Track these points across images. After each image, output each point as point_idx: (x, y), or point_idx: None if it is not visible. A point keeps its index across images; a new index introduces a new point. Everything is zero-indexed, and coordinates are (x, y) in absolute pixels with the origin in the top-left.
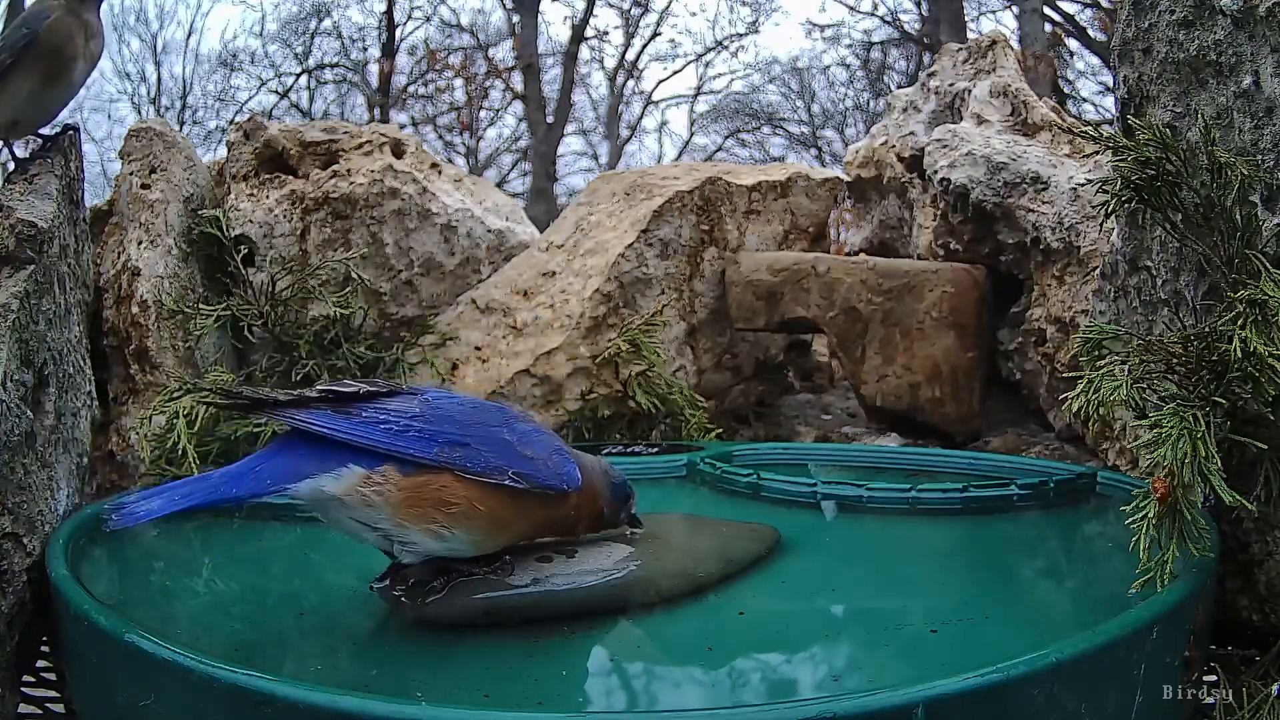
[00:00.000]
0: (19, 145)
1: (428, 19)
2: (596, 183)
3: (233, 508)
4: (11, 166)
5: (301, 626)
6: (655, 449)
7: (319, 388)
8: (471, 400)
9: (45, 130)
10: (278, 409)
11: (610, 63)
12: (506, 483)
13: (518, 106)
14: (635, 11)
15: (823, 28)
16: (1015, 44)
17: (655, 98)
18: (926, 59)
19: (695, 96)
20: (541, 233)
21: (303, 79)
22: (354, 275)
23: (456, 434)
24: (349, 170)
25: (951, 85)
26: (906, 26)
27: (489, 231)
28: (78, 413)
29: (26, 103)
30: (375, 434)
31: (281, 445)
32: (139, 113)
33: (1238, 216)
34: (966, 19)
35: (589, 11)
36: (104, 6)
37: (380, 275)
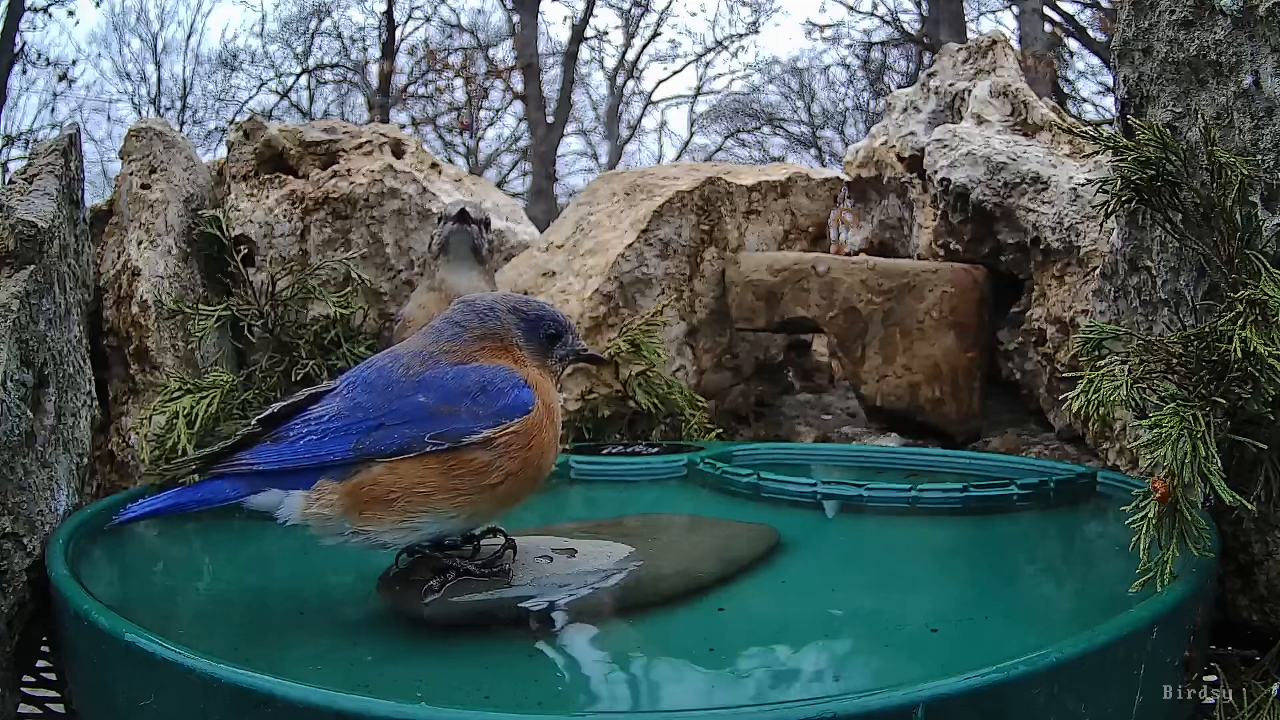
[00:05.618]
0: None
1: (428, 19)
2: (596, 183)
3: (218, 510)
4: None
5: (302, 626)
6: (655, 449)
7: (255, 419)
8: (389, 358)
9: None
10: (222, 462)
11: (610, 63)
12: (429, 450)
13: (518, 106)
14: (635, 11)
15: (823, 28)
16: (1015, 44)
17: (655, 98)
18: (926, 59)
19: (695, 97)
20: (541, 233)
21: (303, 79)
22: (354, 275)
23: (371, 416)
24: (349, 170)
25: (951, 85)
26: (906, 26)
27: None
28: (78, 413)
29: None
30: (299, 452)
31: None
32: (139, 113)
33: (1238, 216)
34: (966, 19)
35: (589, 11)
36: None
37: (380, 275)
